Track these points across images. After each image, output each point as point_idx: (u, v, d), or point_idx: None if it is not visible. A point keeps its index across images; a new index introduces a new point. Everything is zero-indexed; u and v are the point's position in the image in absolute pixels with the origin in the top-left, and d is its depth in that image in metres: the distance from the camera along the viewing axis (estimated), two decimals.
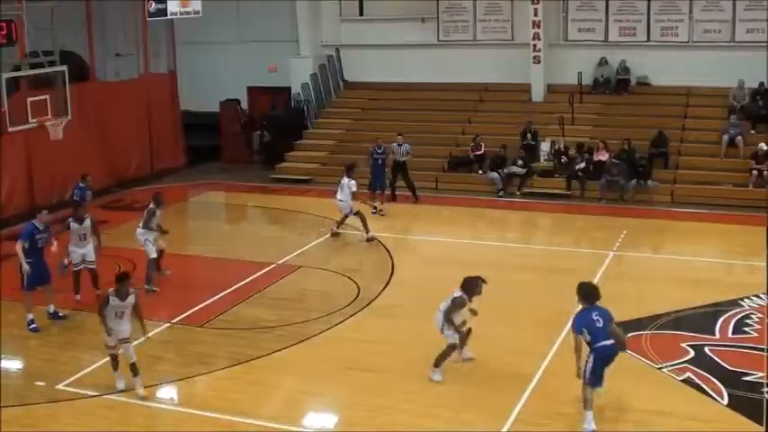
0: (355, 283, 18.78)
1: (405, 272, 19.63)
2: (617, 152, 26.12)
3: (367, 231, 21.76)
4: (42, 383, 14.41)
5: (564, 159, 26.80)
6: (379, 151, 24.82)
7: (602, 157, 26.11)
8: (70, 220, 17.59)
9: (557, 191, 26.37)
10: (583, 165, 26.24)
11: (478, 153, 27.68)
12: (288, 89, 32.38)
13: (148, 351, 15.64)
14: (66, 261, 18.31)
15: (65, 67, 21.59)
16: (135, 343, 14.25)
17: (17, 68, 21.64)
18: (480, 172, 27.44)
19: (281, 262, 20.54)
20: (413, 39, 31.67)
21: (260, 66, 32.74)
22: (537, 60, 29.49)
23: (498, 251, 21.35)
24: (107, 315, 13.87)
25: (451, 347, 14.23)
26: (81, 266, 17.86)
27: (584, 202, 25.65)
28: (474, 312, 14.42)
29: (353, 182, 21.80)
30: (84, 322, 17.04)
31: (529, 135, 27.90)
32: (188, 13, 25.98)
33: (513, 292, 17.58)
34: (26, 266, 16.56)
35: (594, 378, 12.48)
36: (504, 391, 13.70)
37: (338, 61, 32.90)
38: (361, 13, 33.00)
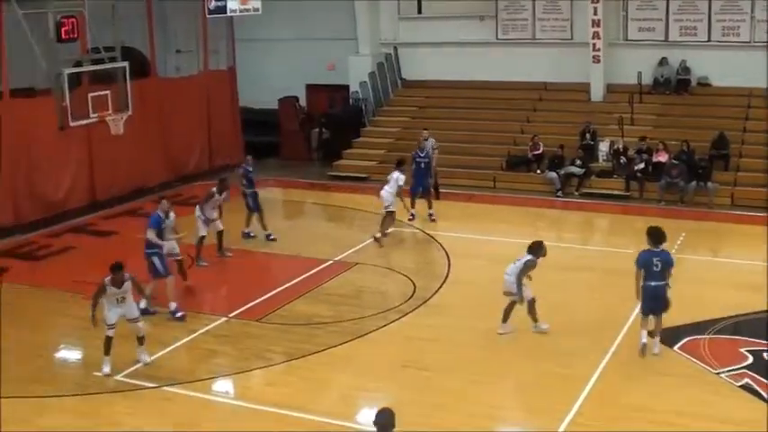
0: (411, 281, 18.80)
1: (461, 271, 19.60)
2: (676, 153, 25.85)
3: (382, 232, 21.69)
4: (100, 374, 14.59)
5: (623, 160, 26.58)
6: (422, 155, 24.65)
7: (662, 158, 25.85)
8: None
9: (615, 192, 26.14)
10: (642, 165, 26.01)
11: (537, 152, 27.56)
12: (346, 87, 32.46)
13: (205, 345, 15.88)
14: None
15: (126, 63, 21.86)
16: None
17: (79, 64, 21.95)
18: (538, 171, 27.32)
19: (337, 259, 20.62)
20: (471, 37, 31.57)
21: (318, 63, 32.85)
22: (596, 60, 29.25)
23: (555, 252, 21.05)
24: (106, 302, 14.49)
25: (532, 302, 15.67)
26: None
27: (643, 203, 25.40)
28: (529, 278, 15.63)
29: (402, 176, 21.79)
30: (146, 315, 17.24)
31: (587, 135, 27.71)
32: (248, 10, 26.17)
33: (570, 292, 17.48)
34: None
35: (643, 309, 14.72)
36: (560, 392, 13.62)
37: (396, 59, 32.91)
38: (420, 12, 32.97)
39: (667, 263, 14.62)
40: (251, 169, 22.14)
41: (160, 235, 17.12)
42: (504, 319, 15.85)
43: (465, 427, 12.77)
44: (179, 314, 16.85)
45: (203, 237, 19.95)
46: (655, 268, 14.48)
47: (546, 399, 13.49)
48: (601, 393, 13.63)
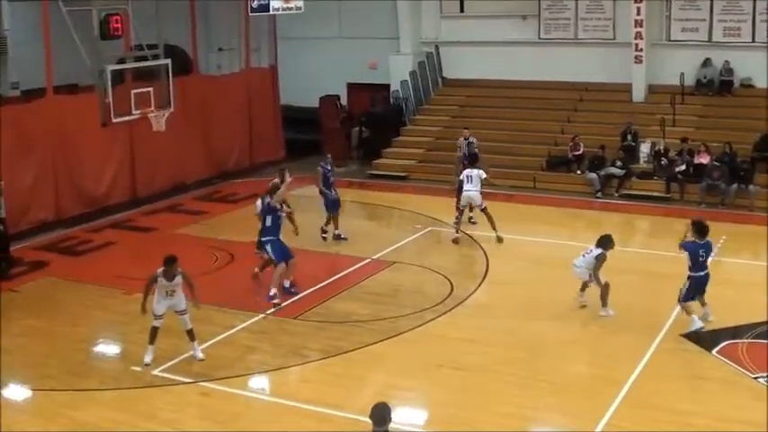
0: (449, 280, 18.78)
1: (499, 271, 19.56)
2: (718, 155, 25.63)
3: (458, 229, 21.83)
4: (138, 368, 14.74)
5: (664, 161, 26.39)
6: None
7: (704, 159, 25.64)
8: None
9: (655, 193, 25.97)
10: (683, 167, 25.80)
11: (577, 153, 27.44)
12: (387, 86, 32.50)
13: (243, 341, 15.97)
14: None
15: (168, 61, 21.98)
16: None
17: (122, 61, 22.11)
18: (578, 172, 27.19)
19: (375, 257, 20.66)
20: (513, 36, 31.48)
21: (360, 62, 32.94)
22: (639, 60, 29.06)
23: None
24: (157, 293, 14.87)
25: (606, 285, 16.63)
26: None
27: (684, 205, 25.18)
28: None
29: (482, 171, 21.76)
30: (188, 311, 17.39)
31: (629, 136, 27.54)
32: (290, 9, 26.28)
33: (609, 294, 17.34)
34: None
35: (688, 297, 15.80)
36: (596, 395, 13.57)
37: (437, 58, 32.89)
38: (462, 10, 32.90)
39: (710, 251, 15.98)
40: (330, 168, 22.05)
41: (274, 224, 17.51)
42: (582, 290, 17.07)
43: (498, 427, 12.74)
44: (275, 301, 17.14)
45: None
46: (701, 258, 15.61)
47: (582, 401, 13.44)
48: (638, 396, 13.54)
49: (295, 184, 21.79)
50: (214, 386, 14.16)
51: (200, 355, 15.07)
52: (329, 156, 22.59)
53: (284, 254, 17.65)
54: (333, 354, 15.30)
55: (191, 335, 15.06)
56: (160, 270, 14.66)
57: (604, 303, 16.70)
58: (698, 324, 15.76)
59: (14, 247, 21.15)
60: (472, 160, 23.21)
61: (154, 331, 14.83)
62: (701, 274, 15.76)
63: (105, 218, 24.53)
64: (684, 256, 15.87)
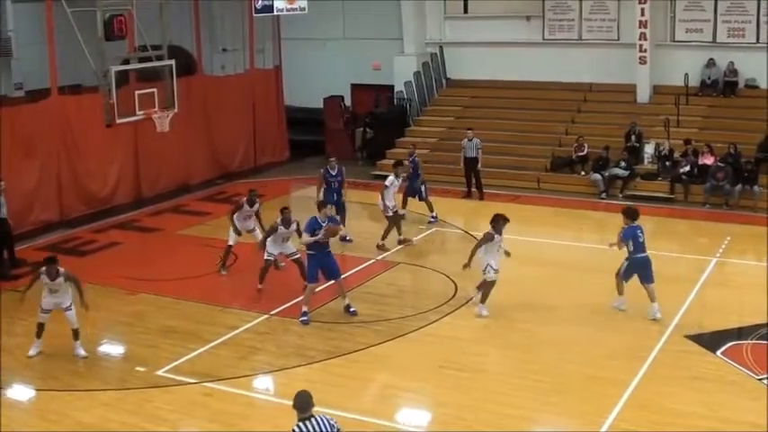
0: (453, 281, 18.74)
1: (503, 272, 19.41)
2: (723, 156, 25.59)
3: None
4: (143, 369, 14.75)
5: (668, 162, 26.36)
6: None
7: (708, 160, 25.61)
8: (279, 222, 17.75)
9: (660, 194, 25.94)
10: (687, 168, 25.78)
11: (581, 154, 27.42)
12: (391, 87, 32.50)
13: (246, 342, 15.97)
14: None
15: (172, 61, 21.99)
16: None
17: (126, 62, 22.13)
18: (583, 173, 27.18)
19: (379, 258, 20.66)
20: (517, 37, 31.48)
21: (364, 63, 32.98)
22: (643, 61, 29.04)
23: (599, 254, 21.00)
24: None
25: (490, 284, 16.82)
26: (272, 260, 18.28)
27: (688, 206, 25.17)
28: (507, 254, 17.05)
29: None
30: (189, 311, 17.45)
31: (633, 137, 27.50)
32: (294, 9, 26.29)
33: (613, 295, 17.33)
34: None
35: (626, 276, 16.73)
36: (600, 396, 13.55)
37: (441, 59, 32.88)
38: (466, 11, 32.90)
39: (642, 233, 16.84)
40: (333, 173, 21.80)
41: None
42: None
43: (502, 428, 12.72)
44: (303, 318, 16.72)
45: (230, 246, 19.71)
46: (640, 239, 16.59)
47: (586, 402, 13.42)
48: (642, 397, 13.52)
49: (300, 184, 21.83)
50: (218, 387, 14.16)
51: (82, 353, 15.32)
52: (333, 159, 22.39)
53: (313, 275, 16.97)
54: (337, 354, 15.29)
55: (75, 334, 15.36)
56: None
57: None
58: (619, 304, 16.87)
59: (18, 248, 21.15)
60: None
61: (40, 326, 15.32)
62: (642, 255, 16.59)
63: (109, 218, 24.55)
64: (626, 249, 16.68)
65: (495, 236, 16.73)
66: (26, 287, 15.34)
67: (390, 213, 21.26)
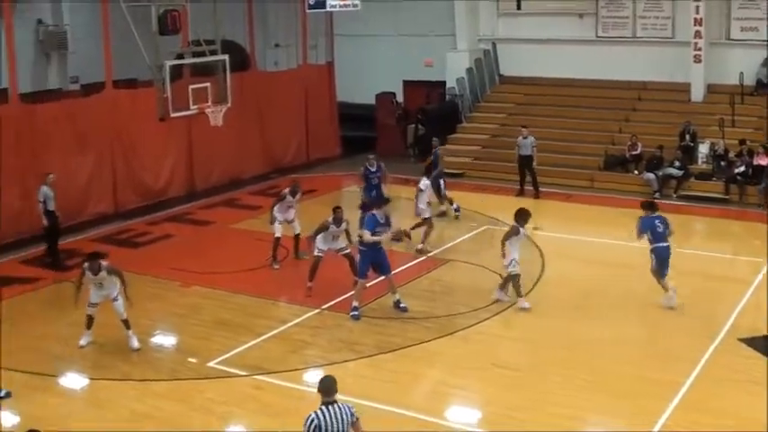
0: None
1: (555, 271, 19.43)
2: None
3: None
4: (194, 360, 14.88)
5: (723, 162, 26.06)
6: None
7: (763, 161, 25.25)
8: (330, 221, 17.74)
9: (714, 195, 25.63)
10: (742, 168, 25.46)
11: (635, 153, 27.19)
12: (443, 83, 32.46)
13: (297, 336, 16.04)
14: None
15: (226, 56, 22.12)
16: None
17: (180, 57, 22.29)
18: (636, 172, 26.94)
19: (430, 254, 20.63)
20: (570, 34, 31.30)
21: (416, 59, 32.94)
22: (698, 59, 28.73)
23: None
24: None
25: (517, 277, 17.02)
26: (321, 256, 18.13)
27: (743, 207, 24.83)
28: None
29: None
30: (241, 304, 17.58)
31: (687, 136, 27.22)
32: (347, 6, 26.31)
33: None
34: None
35: (659, 269, 16.78)
36: (651, 397, 13.43)
37: (494, 56, 32.77)
38: (519, 8, 32.71)
39: (667, 224, 17.12)
40: (373, 170, 21.87)
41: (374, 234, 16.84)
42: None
43: (551, 428, 12.68)
44: (354, 313, 16.77)
45: (278, 238, 19.91)
46: (659, 229, 16.85)
47: (636, 403, 13.31)
48: (694, 400, 13.38)
49: (351, 180, 21.86)
50: (268, 379, 14.25)
51: (136, 344, 15.49)
52: (371, 156, 22.35)
53: (364, 271, 16.97)
54: (387, 350, 15.31)
55: (125, 324, 15.60)
56: (86, 264, 15.36)
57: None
58: (668, 301, 16.78)
59: (73, 239, 21.51)
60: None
61: (89, 318, 15.61)
62: (663, 245, 16.75)
63: (163, 211, 24.78)
64: (646, 244, 17.00)
65: (521, 229, 16.84)
66: (77, 279, 15.55)
67: (427, 216, 21.20)
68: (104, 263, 15.40)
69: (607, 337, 15.75)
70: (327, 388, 9.54)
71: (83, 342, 15.57)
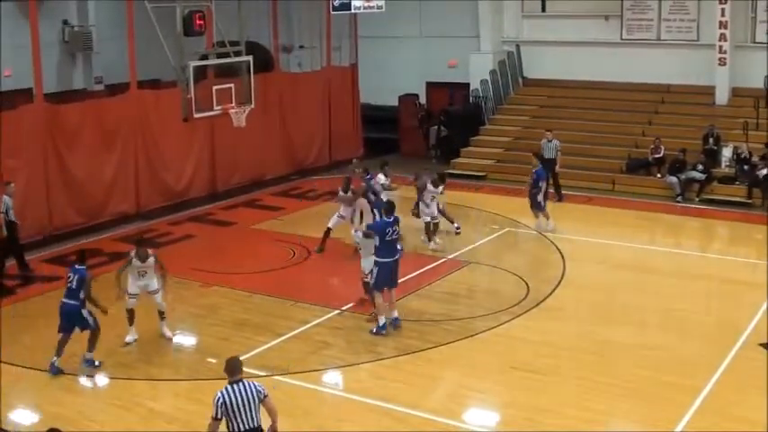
0: (525, 282, 18.66)
1: (575, 274, 19.37)
2: None
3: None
4: (214, 360, 14.88)
5: (746, 166, 25.91)
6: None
7: None
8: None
9: (737, 198, 25.46)
10: (765, 172, 25.28)
11: (658, 156, 27.06)
12: (466, 85, 32.43)
13: (317, 336, 16.07)
14: None
15: (250, 58, 22.17)
16: None
17: (204, 57, 22.39)
18: (659, 175, 26.83)
19: (451, 257, 20.63)
20: (595, 36, 31.17)
21: (439, 61, 32.92)
22: (722, 62, 28.57)
23: (673, 258, 20.85)
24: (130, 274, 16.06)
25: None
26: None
27: (766, 211, 24.66)
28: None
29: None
30: (261, 305, 17.62)
31: (711, 139, 27.06)
32: (371, 8, 26.32)
33: (686, 301, 17.16)
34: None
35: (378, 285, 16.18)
36: (671, 402, 13.36)
37: (518, 58, 32.71)
38: (543, 10, 32.63)
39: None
40: (368, 176, 21.72)
41: (381, 241, 16.46)
42: None
43: (568, 430, 12.66)
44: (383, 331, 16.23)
45: (329, 229, 20.47)
46: (387, 237, 16.17)
47: (656, 408, 13.26)
48: (714, 405, 13.32)
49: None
50: (287, 380, 14.26)
51: (169, 333, 15.86)
52: (355, 161, 22.96)
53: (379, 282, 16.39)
54: (406, 352, 15.31)
55: (161, 315, 15.94)
56: (133, 251, 15.58)
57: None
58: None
59: (95, 239, 21.66)
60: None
61: (130, 313, 15.67)
62: (390, 260, 16.19)
63: (185, 211, 24.88)
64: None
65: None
66: (120, 269, 15.68)
67: (428, 219, 21.22)
68: (150, 251, 15.63)
69: (627, 340, 15.70)
70: (232, 368, 10.34)
71: (129, 339, 15.64)
